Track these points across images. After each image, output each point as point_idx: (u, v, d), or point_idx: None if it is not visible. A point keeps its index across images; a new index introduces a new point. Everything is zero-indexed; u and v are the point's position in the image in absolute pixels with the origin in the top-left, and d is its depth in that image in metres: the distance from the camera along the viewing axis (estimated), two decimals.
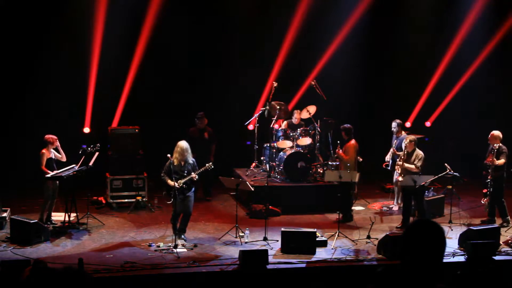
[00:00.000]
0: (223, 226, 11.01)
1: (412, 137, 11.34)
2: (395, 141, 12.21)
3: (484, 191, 11.27)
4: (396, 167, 11.42)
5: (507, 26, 15.36)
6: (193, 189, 10.41)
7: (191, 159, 10.37)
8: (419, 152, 11.07)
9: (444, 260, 3.53)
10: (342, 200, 11.28)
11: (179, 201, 10.17)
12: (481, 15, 15.28)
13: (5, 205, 11.44)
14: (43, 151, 10.78)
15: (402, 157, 11.13)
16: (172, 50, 14.43)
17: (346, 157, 11.60)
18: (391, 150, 12.17)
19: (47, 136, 10.91)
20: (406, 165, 11.00)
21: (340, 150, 11.75)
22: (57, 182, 10.88)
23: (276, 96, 13.64)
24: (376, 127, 14.59)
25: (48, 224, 10.85)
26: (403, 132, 12.38)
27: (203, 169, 10.37)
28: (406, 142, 11.22)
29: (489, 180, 11.10)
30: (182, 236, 10.29)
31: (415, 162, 10.97)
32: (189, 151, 10.36)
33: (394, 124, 12.35)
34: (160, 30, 14.02)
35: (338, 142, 11.92)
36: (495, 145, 11.01)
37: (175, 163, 10.19)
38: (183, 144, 10.30)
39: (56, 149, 10.97)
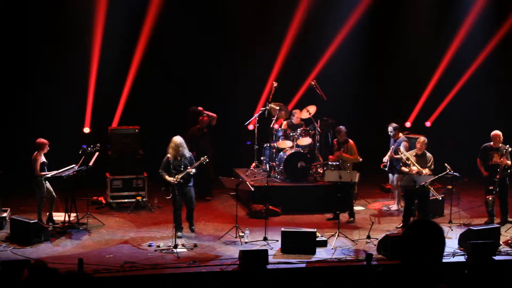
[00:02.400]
0: (223, 226, 11.01)
1: (423, 139, 11.07)
2: (393, 144, 12.13)
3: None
4: (403, 168, 11.23)
5: (507, 26, 15.36)
6: (191, 182, 10.59)
7: (187, 153, 10.58)
8: (430, 155, 10.95)
9: (444, 260, 3.54)
10: (343, 200, 11.28)
11: (180, 196, 10.39)
12: (481, 15, 15.28)
13: (5, 205, 11.43)
14: (37, 157, 10.63)
15: (409, 159, 10.98)
16: (172, 50, 14.43)
17: (353, 156, 11.66)
18: (389, 152, 12.11)
19: (40, 140, 10.75)
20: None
21: (342, 152, 11.76)
22: (48, 182, 10.83)
23: (276, 96, 13.64)
24: (376, 127, 14.57)
25: (50, 224, 10.86)
26: (400, 135, 12.35)
27: (198, 163, 10.53)
28: (418, 145, 10.94)
29: (496, 180, 11.06)
30: (191, 227, 10.72)
31: (429, 166, 10.87)
32: (184, 145, 10.55)
33: (390, 128, 12.24)
34: (160, 30, 14.02)
35: (335, 143, 11.92)
36: (501, 145, 11.05)
37: (171, 158, 10.42)
38: (177, 139, 10.52)
39: None
